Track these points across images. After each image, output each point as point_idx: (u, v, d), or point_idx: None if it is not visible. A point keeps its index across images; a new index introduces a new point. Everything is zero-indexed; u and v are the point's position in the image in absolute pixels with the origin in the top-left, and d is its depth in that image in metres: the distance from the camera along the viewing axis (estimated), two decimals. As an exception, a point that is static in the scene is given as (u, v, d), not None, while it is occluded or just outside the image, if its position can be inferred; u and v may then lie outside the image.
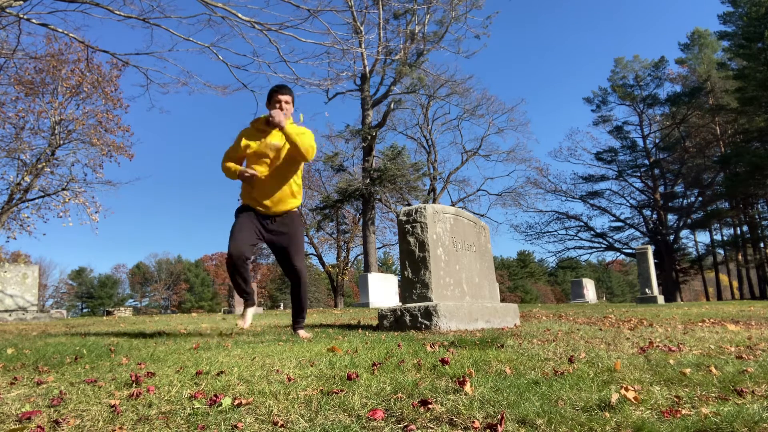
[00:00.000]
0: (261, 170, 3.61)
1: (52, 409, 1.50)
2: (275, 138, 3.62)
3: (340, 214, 28.55)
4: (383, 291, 15.49)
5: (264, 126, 3.69)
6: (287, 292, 50.04)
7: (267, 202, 3.65)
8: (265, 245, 3.87)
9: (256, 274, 41.39)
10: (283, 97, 3.67)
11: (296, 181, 3.76)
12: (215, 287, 66.00)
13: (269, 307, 38.64)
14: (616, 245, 35.41)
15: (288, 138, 3.54)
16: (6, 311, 9.91)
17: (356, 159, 24.34)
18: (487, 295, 4.97)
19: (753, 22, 28.61)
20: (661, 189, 34.97)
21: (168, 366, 2.19)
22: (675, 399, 1.43)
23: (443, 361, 1.98)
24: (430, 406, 1.39)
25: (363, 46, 17.15)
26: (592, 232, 35.46)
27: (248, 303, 3.90)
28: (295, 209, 3.80)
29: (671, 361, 1.97)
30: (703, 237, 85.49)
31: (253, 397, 1.54)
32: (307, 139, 3.60)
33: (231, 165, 3.70)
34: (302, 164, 3.80)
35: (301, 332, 3.76)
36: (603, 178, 36.02)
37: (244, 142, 3.67)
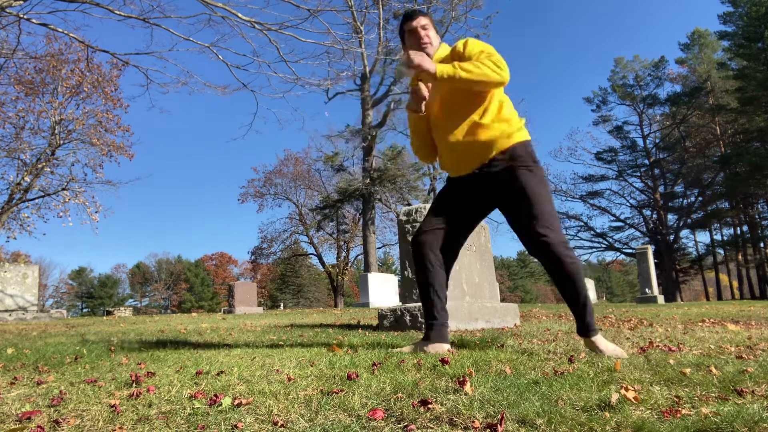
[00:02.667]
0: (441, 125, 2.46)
1: (52, 409, 1.50)
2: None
3: (340, 214, 28.57)
4: (383, 291, 15.49)
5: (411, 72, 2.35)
6: (287, 292, 50.37)
7: (451, 157, 2.44)
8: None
9: (256, 274, 41.27)
10: (414, 24, 2.47)
11: (486, 109, 2.35)
12: (215, 287, 66.01)
13: (269, 307, 38.64)
14: (616, 245, 35.42)
15: (450, 81, 2.26)
16: (6, 311, 9.91)
17: (356, 159, 24.38)
18: (487, 295, 4.97)
19: (753, 22, 28.62)
20: (661, 189, 34.97)
21: (168, 366, 2.19)
22: (675, 399, 1.43)
23: (443, 361, 1.98)
24: (430, 405, 1.39)
25: (363, 45, 17.15)
26: (592, 232, 35.48)
27: (432, 332, 2.43)
28: (511, 144, 2.32)
29: (671, 361, 1.97)
30: (703, 237, 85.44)
31: (253, 396, 1.55)
32: (484, 67, 2.23)
33: (413, 136, 2.59)
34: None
35: (600, 341, 2.28)
36: (603, 177, 36.05)
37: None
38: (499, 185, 2.34)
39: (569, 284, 2.27)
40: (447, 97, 2.44)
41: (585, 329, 2.30)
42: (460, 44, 2.44)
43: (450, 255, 2.52)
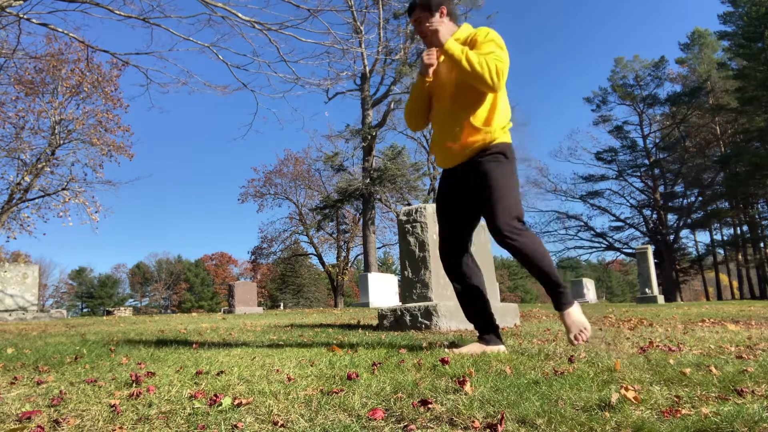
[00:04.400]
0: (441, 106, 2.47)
1: (52, 409, 1.50)
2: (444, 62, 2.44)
3: (340, 214, 28.59)
4: (383, 291, 15.49)
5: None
6: (287, 291, 50.38)
7: (445, 145, 2.45)
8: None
9: (256, 274, 41.26)
10: (412, 21, 2.50)
11: (483, 111, 2.36)
12: (215, 287, 66.02)
13: (269, 307, 38.63)
14: (616, 245, 35.42)
15: (455, 63, 2.30)
16: (6, 311, 9.91)
17: (356, 159, 24.39)
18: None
19: (753, 22, 28.62)
20: (661, 189, 34.97)
21: (168, 366, 2.19)
22: (675, 399, 1.43)
23: (443, 361, 1.98)
24: (430, 405, 1.39)
25: (363, 45, 17.15)
26: (592, 232, 35.47)
27: (483, 338, 2.48)
28: (489, 144, 2.37)
29: (671, 361, 1.97)
30: (703, 237, 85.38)
31: (253, 396, 1.55)
32: (485, 67, 2.22)
33: (410, 99, 2.56)
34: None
35: (566, 316, 2.35)
36: (603, 177, 36.05)
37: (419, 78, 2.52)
38: (470, 177, 2.42)
39: (529, 264, 2.33)
40: (459, 79, 2.39)
41: (558, 304, 2.36)
42: (482, 34, 2.38)
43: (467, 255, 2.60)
